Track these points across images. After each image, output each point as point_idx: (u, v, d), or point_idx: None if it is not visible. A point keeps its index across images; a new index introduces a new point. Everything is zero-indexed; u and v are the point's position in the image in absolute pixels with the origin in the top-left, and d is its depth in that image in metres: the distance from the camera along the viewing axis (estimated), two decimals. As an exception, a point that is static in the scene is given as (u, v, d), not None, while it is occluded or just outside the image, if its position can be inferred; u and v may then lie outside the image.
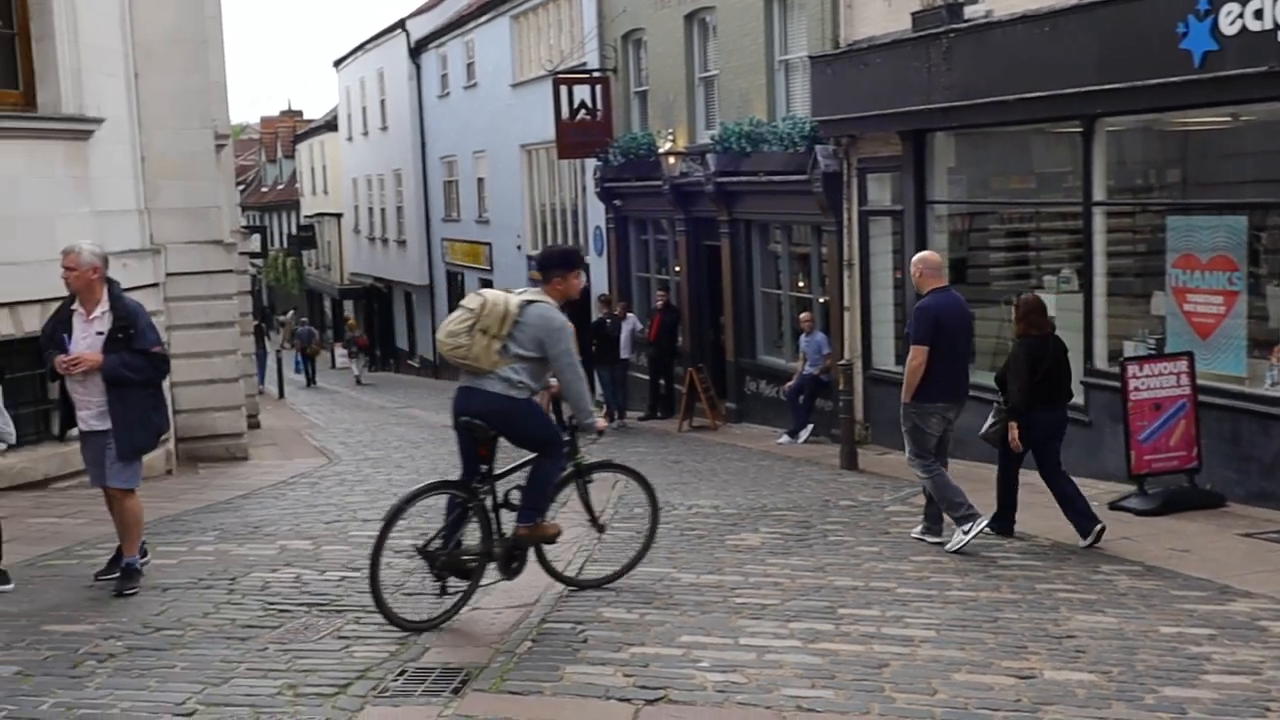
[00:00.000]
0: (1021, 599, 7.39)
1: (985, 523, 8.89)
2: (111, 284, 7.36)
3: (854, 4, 15.85)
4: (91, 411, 7.27)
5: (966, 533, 8.71)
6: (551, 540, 7.13)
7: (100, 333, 7.22)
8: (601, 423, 7.14)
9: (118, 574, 7.41)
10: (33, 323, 11.01)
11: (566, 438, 7.09)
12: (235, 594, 7.32)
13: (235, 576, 7.76)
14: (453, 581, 6.72)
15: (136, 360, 7.18)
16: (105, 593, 7.31)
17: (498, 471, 6.89)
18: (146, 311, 7.49)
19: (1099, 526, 8.93)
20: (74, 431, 7.65)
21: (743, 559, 8.58)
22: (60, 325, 7.33)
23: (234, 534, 9.35)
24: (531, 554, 7.10)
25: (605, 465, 7.94)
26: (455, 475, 7.06)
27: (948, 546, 8.77)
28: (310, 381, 36.36)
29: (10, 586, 7.34)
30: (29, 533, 8.99)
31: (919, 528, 9.29)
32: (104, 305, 7.28)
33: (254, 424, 18.59)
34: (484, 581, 6.91)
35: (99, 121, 11.79)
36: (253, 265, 33.31)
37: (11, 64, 11.24)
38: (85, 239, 11.41)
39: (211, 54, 15.82)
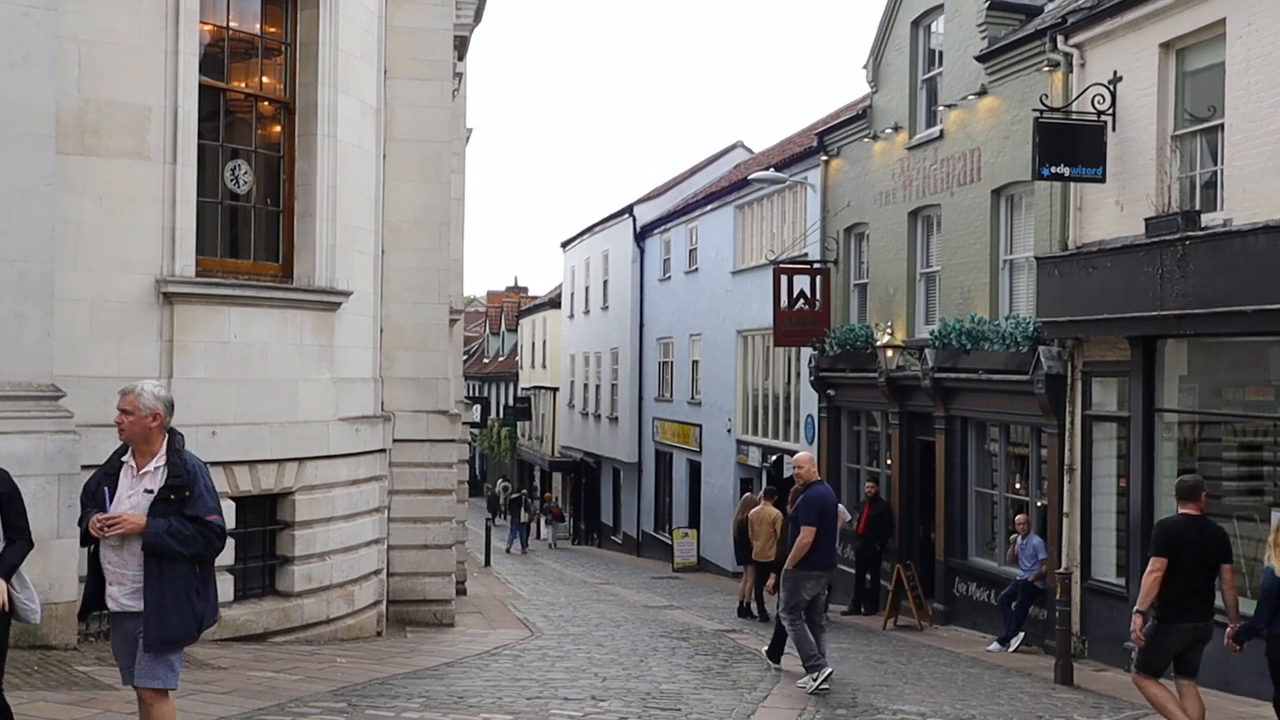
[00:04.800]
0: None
1: (830, 672, 11.08)
2: (173, 436, 6.08)
3: (1084, 207, 15.75)
4: (125, 588, 5.93)
5: (815, 679, 10.96)
6: None
7: (149, 490, 5.93)
8: None
9: None
10: (268, 481, 11.54)
11: None
12: (438, 765, 7.38)
13: (439, 747, 7.83)
14: None
15: (186, 529, 5.84)
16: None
17: None
18: (209, 474, 6.14)
19: None
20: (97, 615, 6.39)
21: (951, 774, 8.26)
22: (107, 479, 6.06)
23: (439, 703, 9.46)
24: None
25: None
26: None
27: (805, 687, 10.90)
28: (524, 547, 39.05)
29: None
30: (246, 686, 9.29)
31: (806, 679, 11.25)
32: (159, 459, 6.00)
33: (461, 590, 18.92)
34: None
35: (347, 295, 12.46)
36: (471, 434, 34.54)
37: (275, 239, 12.04)
38: (329, 402, 12.14)
39: (453, 233, 16.67)
